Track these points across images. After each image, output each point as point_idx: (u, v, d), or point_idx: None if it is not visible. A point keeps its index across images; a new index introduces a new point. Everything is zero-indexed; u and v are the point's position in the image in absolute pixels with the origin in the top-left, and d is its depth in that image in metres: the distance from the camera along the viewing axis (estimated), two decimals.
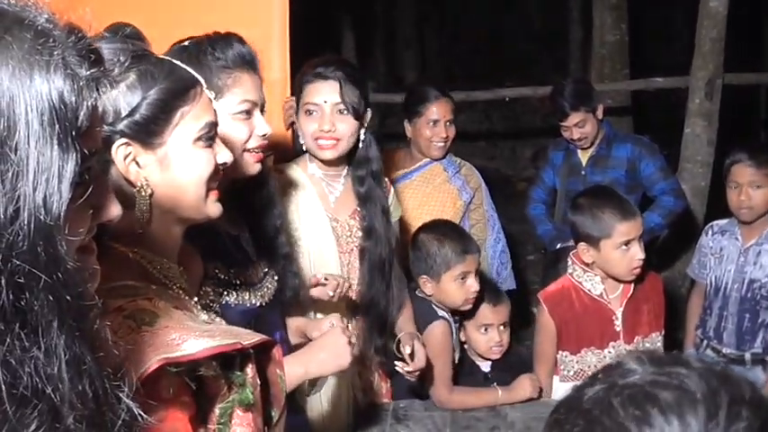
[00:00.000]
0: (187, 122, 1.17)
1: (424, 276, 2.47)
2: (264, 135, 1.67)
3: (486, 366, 2.65)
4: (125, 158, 1.13)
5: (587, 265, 2.42)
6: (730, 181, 2.90)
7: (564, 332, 2.45)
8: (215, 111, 1.25)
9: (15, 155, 0.67)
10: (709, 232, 3.14)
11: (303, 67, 2.17)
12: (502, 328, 2.61)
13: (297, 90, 2.14)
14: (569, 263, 2.51)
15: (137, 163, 1.14)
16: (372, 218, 2.19)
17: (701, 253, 3.17)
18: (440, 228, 2.59)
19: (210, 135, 1.21)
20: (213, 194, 1.23)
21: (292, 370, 1.58)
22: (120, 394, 0.79)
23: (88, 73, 0.74)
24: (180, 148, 1.17)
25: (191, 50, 1.58)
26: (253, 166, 1.67)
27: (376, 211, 2.19)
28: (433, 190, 3.15)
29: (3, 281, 0.66)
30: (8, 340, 0.66)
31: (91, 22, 0.82)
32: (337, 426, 2.18)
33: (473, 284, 2.44)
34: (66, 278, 0.70)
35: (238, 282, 1.68)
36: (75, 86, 0.71)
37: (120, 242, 1.15)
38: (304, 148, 2.17)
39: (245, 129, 1.63)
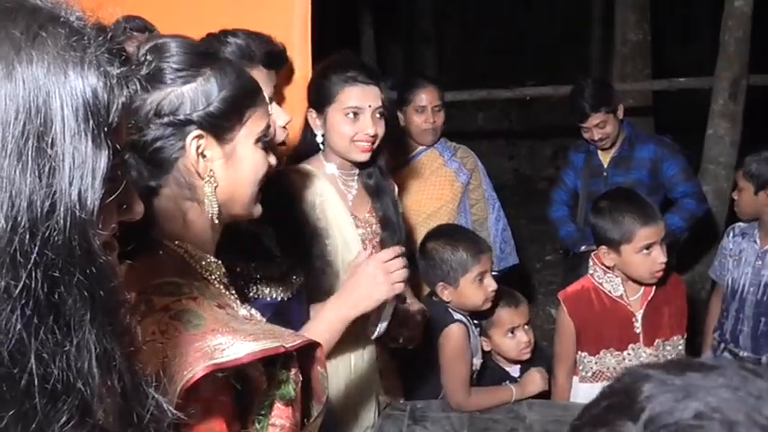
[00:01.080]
0: (253, 123, 1.23)
1: (441, 283, 2.44)
2: (285, 125, 1.70)
3: (515, 371, 2.62)
4: (197, 150, 1.18)
5: (608, 267, 2.41)
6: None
7: (583, 333, 2.45)
8: (270, 116, 1.30)
9: (52, 150, 0.67)
10: (731, 234, 3.16)
11: (323, 66, 2.18)
12: (527, 327, 2.59)
13: (324, 90, 2.13)
14: (590, 263, 2.50)
15: (204, 156, 1.19)
16: (386, 209, 2.24)
17: (722, 254, 3.18)
18: (448, 233, 2.56)
19: (267, 138, 1.27)
20: (259, 195, 1.29)
21: (332, 317, 1.60)
22: (150, 390, 0.79)
23: (119, 71, 0.75)
24: (245, 146, 1.22)
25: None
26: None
27: (388, 202, 2.25)
28: (431, 174, 3.26)
29: (38, 275, 0.66)
30: (41, 334, 0.67)
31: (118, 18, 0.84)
32: (362, 425, 2.18)
33: (491, 283, 2.42)
34: (99, 273, 0.71)
35: (258, 276, 1.69)
36: (108, 84, 0.72)
37: (165, 236, 1.19)
38: (321, 148, 2.17)
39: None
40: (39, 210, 0.67)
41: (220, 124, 1.19)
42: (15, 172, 0.65)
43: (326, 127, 2.13)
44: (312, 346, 1.19)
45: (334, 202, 2.15)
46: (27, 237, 0.66)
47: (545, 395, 2.47)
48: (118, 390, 0.74)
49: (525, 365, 2.59)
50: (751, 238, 3.03)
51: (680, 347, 2.49)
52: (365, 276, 1.64)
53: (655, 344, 2.45)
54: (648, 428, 0.65)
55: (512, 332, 2.55)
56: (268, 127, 1.28)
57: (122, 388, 0.74)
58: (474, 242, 2.50)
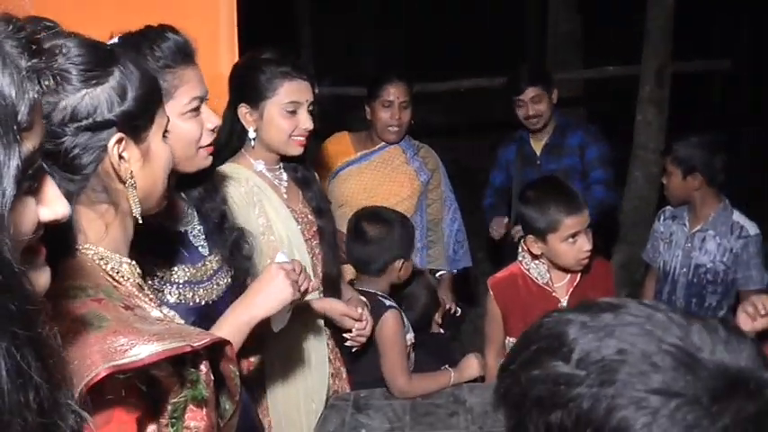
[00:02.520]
0: (161, 118, 1.23)
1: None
2: (215, 128, 1.68)
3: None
4: (118, 152, 1.16)
5: (536, 255, 2.44)
6: None
7: (510, 318, 2.47)
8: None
9: None
10: (662, 217, 3.25)
11: (253, 59, 2.16)
12: None
13: (260, 84, 2.11)
14: (519, 250, 2.53)
15: (122, 157, 1.17)
16: (316, 198, 2.28)
17: (654, 237, 3.26)
18: (380, 216, 2.66)
19: (169, 131, 1.27)
20: (168, 189, 1.29)
21: (236, 320, 1.57)
22: (70, 401, 0.76)
23: (29, 64, 0.71)
24: (156, 142, 1.22)
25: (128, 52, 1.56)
26: (206, 159, 1.69)
27: (316, 191, 2.29)
28: (392, 171, 3.28)
29: None
30: None
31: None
32: (306, 414, 2.21)
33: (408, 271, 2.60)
34: (10, 282, 0.67)
35: (181, 281, 1.66)
36: (15, 79, 0.68)
37: (82, 241, 1.16)
38: (252, 144, 2.16)
39: (197, 126, 1.63)
40: None
41: (137, 124, 1.17)
42: None
43: (261, 122, 2.12)
44: (221, 344, 1.17)
45: (272, 198, 2.15)
46: None
47: (482, 378, 2.52)
48: (34, 406, 0.69)
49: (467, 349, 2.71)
50: (681, 221, 3.12)
51: None
52: (267, 282, 1.63)
53: None
54: (580, 366, 0.76)
55: None
56: (168, 120, 1.27)
57: (39, 403, 0.69)
58: (407, 241, 2.61)
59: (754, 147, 6.45)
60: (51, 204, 0.78)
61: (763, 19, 6.77)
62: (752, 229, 2.98)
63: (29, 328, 0.69)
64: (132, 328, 1.03)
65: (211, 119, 1.66)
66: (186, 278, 1.67)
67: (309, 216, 2.25)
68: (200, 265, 1.72)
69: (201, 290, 1.70)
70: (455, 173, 3.80)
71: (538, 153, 3.63)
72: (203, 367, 1.11)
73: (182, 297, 1.66)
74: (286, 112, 2.10)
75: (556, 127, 3.59)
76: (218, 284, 1.75)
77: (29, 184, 0.72)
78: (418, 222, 3.32)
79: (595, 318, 0.80)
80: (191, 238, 1.73)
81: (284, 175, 2.23)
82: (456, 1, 9.30)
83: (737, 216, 3.01)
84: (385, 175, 3.27)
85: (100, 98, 1.13)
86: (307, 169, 2.27)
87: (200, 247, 1.75)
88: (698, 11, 6.12)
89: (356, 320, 2.21)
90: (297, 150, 2.14)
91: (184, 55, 1.61)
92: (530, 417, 0.79)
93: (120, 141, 1.15)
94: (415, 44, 9.46)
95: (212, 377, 1.13)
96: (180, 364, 1.07)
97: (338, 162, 3.29)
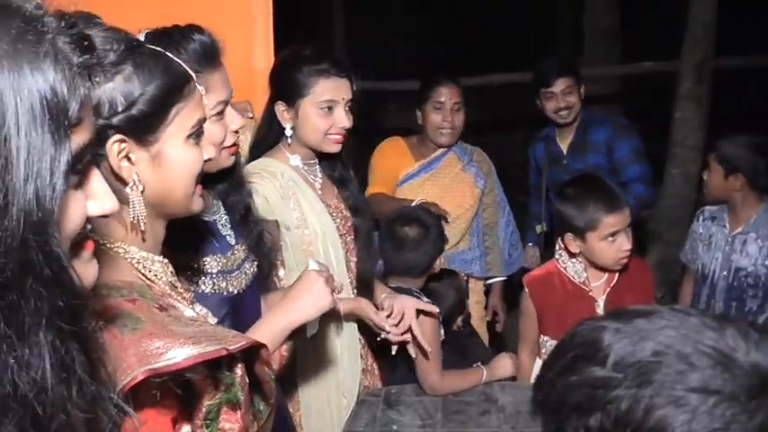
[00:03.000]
0: (181, 120, 1.16)
1: None
2: (238, 130, 1.66)
3: None
4: (118, 154, 1.11)
5: (574, 253, 2.40)
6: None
7: (545, 316, 2.44)
8: (203, 106, 1.25)
9: (4, 146, 0.64)
10: (700, 218, 3.17)
11: (292, 57, 2.15)
12: None
13: (296, 82, 2.10)
14: (557, 248, 2.48)
15: (129, 159, 1.13)
16: (354, 197, 2.28)
17: (692, 238, 3.19)
18: (419, 219, 2.64)
19: (200, 132, 1.21)
20: (198, 189, 1.24)
21: (275, 324, 1.58)
22: (113, 395, 0.77)
23: (80, 60, 0.71)
24: (173, 145, 1.16)
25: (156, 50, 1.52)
26: (228, 159, 1.68)
27: (353, 190, 2.29)
28: (452, 180, 3.27)
29: None
30: None
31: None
32: (338, 409, 2.21)
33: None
34: (59, 276, 0.67)
35: (214, 271, 1.66)
36: (67, 75, 0.69)
37: (105, 239, 1.14)
38: (288, 141, 2.15)
39: (221, 129, 1.60)
40: None
41: (143, 126, 1.12)
42: None
43: (297, 120, 2.12)
44: (257, 346, 1.15)
45: (306, 192, 2.16)
46: None
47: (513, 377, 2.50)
48: (77, 400, 0.69)
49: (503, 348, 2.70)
50: (720, 222, 3.04)
51: None
52: (307, 288, 1.65)
53: None
54: (616, 369, 0.78)
55: None
56: (204, 120, 1.21)
57: (82, 397, 0.70)
58: (442, 236, 2.62)
59: None
60: (99, 199, 0.79)
61: None
62: None
63: (75, 323, 0.70)
64: (167, 331, 1.02)
65: (235, 120, 1.64)
66: (219, 268, 1.67)
67: (344, 211, 2.26)
68: (229, 254, 1.71)
69: (234, 279, 1.70)
70: None
71: (564, 152, 3.52)
72: (238, 370, 1.10)
73: (216, 287, 1.65)
74: (321, 110, 2.09)
75: (579, 123, 3.47)
76: (245, 274, 1.75)
77: (78, 178, 0.73)
78: (475, 228, 3.31)
79: (629, 323, 0.82)
80: (219, 227, 1.73)
81: (319, 172, 2.22)
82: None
83: None
84: (445, 186, 3.24)
85: (101, 98, 1.08)
86: (344, 168, 2.27)
87: (227, 237, 1.74)
88: (740, 5, 5.99)
89: (381, 328, 2.18)
90: (333, 148, 2.14)
91: (210, 58, 1.57)
92: (569, 422, 0.80)
93: (120, 142, 1.11)
94: (442, 38, 9.41)
95: (247, 380, 1.12)
96: (215, 366, 1.06)
97: (399, 173, 3.28)
